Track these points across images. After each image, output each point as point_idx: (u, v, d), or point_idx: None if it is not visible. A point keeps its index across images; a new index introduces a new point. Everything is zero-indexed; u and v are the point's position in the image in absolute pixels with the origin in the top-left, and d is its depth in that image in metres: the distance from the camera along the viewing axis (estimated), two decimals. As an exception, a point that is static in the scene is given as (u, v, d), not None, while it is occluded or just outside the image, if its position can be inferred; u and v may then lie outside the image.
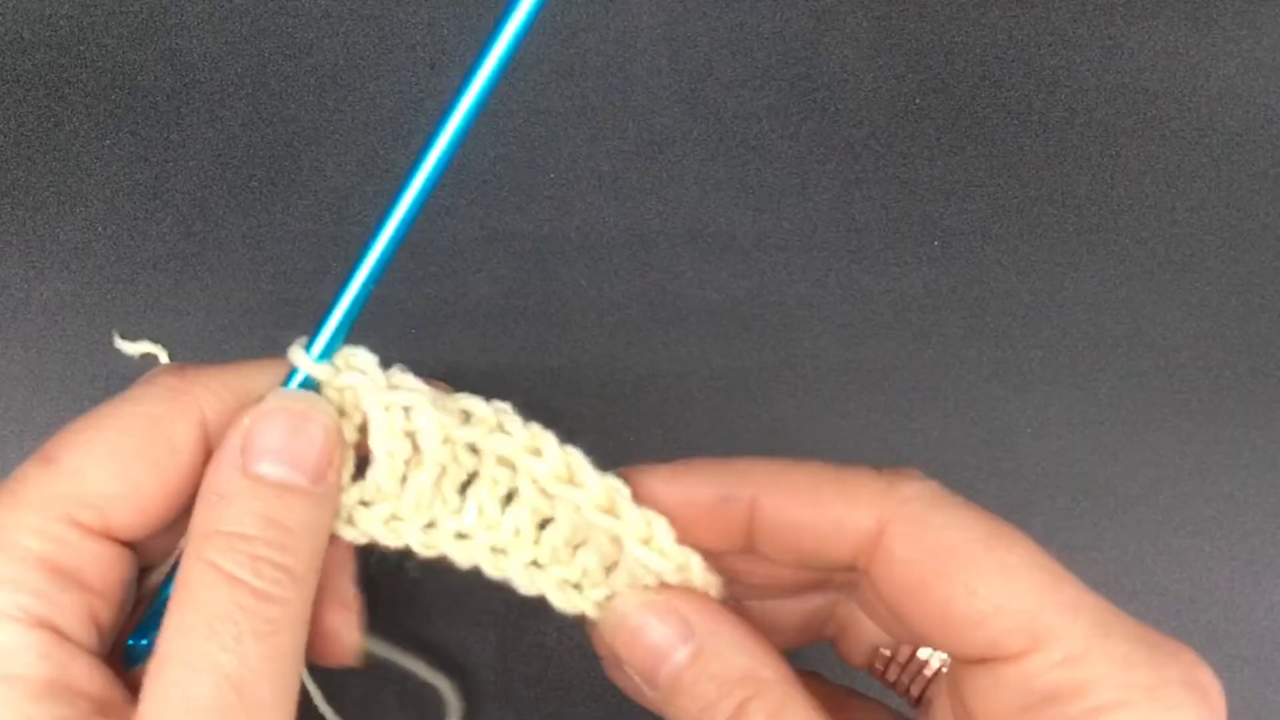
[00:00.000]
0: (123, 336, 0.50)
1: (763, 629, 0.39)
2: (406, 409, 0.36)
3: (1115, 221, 0.54)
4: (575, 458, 0.36)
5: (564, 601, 0.37)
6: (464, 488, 0.37)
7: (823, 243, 0.53)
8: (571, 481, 0.36)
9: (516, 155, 0.52)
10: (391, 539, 0.37)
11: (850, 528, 0.34)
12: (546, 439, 0.36)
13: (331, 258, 0.51)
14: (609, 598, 0.37)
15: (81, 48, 0.51)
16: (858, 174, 0.53)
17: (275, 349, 0.52)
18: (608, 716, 0.51)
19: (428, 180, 0.37)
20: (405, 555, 0.38)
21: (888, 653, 0.39)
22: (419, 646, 0.51)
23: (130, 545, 0.35)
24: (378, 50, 0.52)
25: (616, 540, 0.36)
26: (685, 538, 0.36)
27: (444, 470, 0.37)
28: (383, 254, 0.37)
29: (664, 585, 0.36)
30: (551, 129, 0.53)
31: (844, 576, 0.37)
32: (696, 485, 0.36)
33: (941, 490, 0.34)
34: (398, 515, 0.37)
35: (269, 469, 0.33)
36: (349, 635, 0.38)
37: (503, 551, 0.37)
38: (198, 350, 0.50)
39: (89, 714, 0.32)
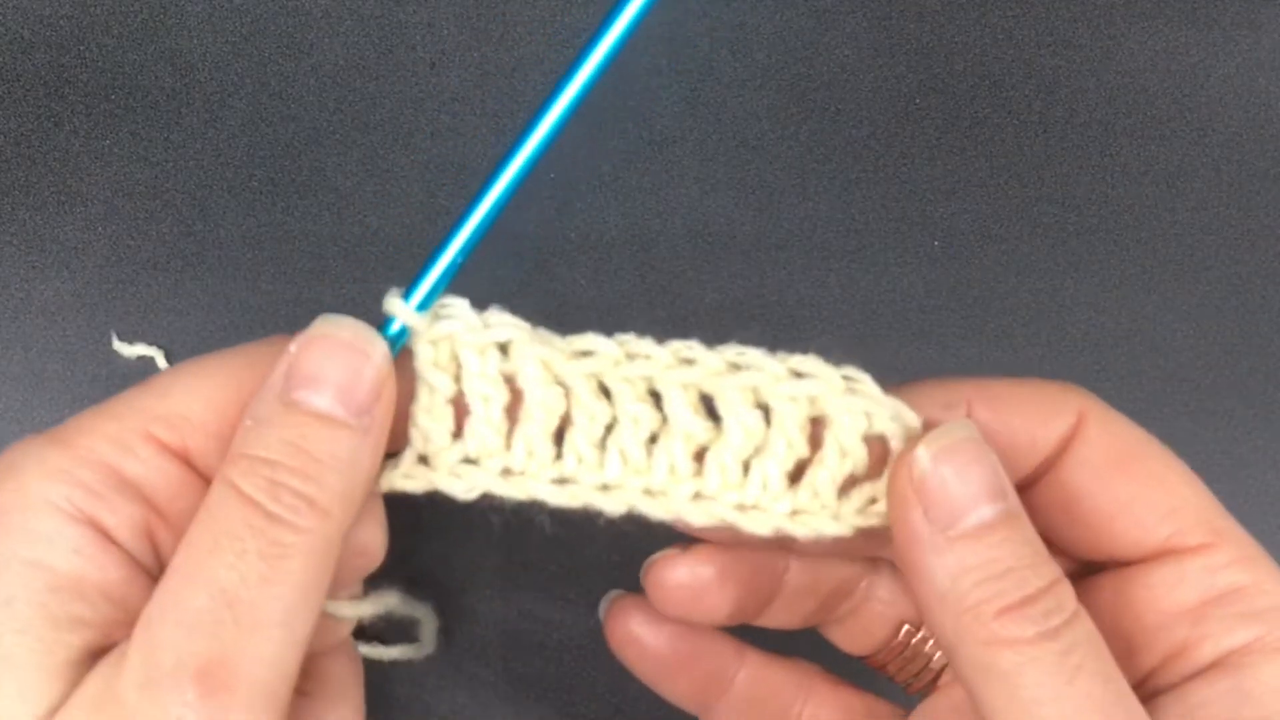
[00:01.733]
0: (121, 337, 0.50)
1: (797, 593, 0.39)
2: (503, 347, 0.34)
3: (1115, 222, 0.54)
4: (754, 352, 0.34)
5: (752, 524, 0.34)
6: (603, 441, 0.34)
7: (823, 243, 0.53)
8: (788, 376, 0.33)
9: (516, 155, 0.52)
10: (515, 492, 0.35)
11: (1055, 421, 0.35)
12: (694, 346, 0.34)
13: (331, 258, 0.51)
14: (812, 504, 0.34)
15: (81, 47, 0.51)
16: (858, 174, 0.53)
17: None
18: (609, 715, 0.51)
19: (557, 120, 0.36)
20: (538, 507, 0.35)
21: (909, 629, 0.40)
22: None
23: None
24: (378, 50, 0.52)
25: (808, 436, 0.33)
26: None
27: (569, 419, 0.34)
28: (498, 200, 0.35)
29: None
30: (551, 129, 0.53)
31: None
32: (915, 401, 0.35)
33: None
34: (513, 469, 0.35)
35: (305, 396, 0.32)
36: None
37: (661, 493, 0.34)
38: (197, 351, 0.49)
39: (114, 621, 0.32)
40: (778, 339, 0.52)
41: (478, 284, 0.52)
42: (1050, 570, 0.31)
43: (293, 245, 0.51)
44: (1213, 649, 0.33)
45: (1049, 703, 0.29)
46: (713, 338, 0.52)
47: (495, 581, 0.51)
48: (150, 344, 0.50)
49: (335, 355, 0.32)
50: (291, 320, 0.50)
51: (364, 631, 0.47)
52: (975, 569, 0.31)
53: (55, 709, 0.30)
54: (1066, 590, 0.31)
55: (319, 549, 0.31)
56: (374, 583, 0.43)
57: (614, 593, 0.41)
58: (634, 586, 0.41)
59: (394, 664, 0.49)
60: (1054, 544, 0.36)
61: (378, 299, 0.51)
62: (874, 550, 0.39)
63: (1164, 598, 0.34)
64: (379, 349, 0.33)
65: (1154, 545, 0.34)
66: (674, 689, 0.41)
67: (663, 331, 0.52)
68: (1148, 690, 0.34)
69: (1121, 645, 0.34)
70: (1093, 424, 0.35)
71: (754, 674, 0.40)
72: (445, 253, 0.35)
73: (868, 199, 0.53)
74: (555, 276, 0.51)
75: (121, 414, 0.33)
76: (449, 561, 0.51)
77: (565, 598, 0.51)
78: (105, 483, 0.32)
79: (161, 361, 0.49)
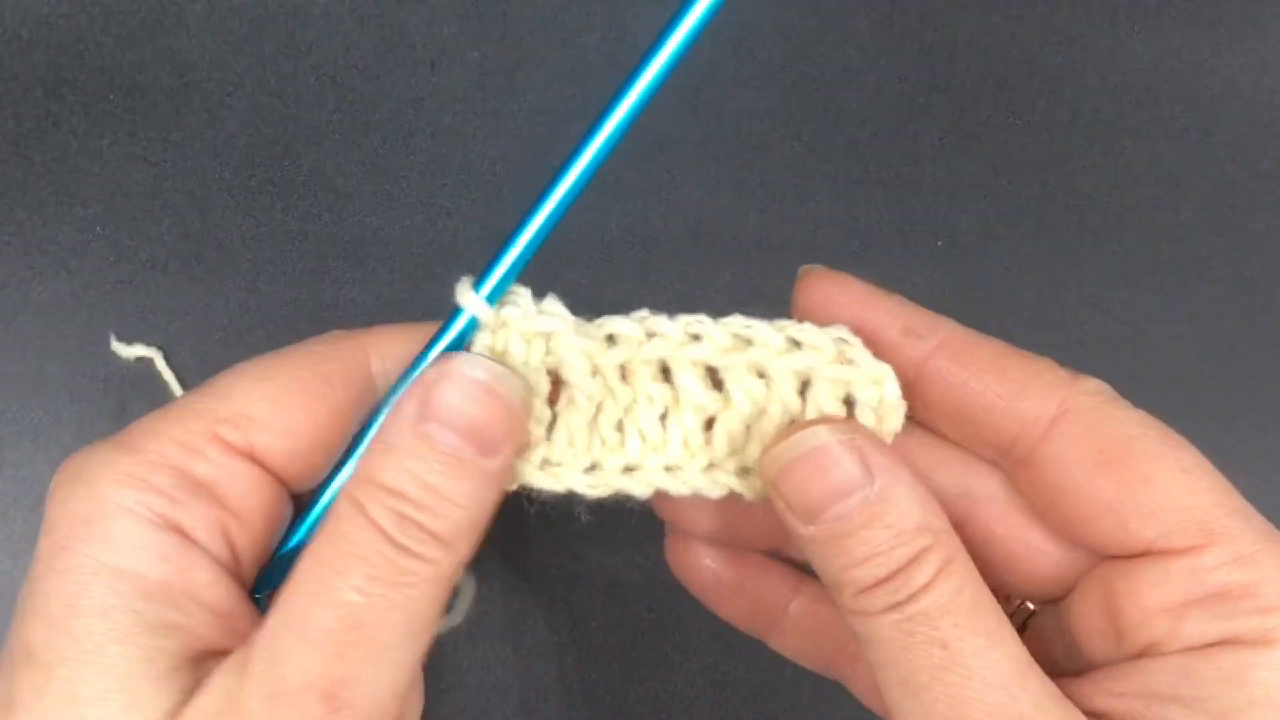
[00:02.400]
0: (120, 338, 0.50)
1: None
2: (547, 338, 0.35)
3: (1119, 222, 0.53)
4: (757, 325, 0.35)
5: (750, 489, 0.35)
6: (621, 423, 0.35)
7: (825, 243, 0.52)
8: (785, 346, 0.34)
9: (516, 155, 0.52)
10: (552, 484, 0.35)
11: (1030, 405, 0.35)
12: (703, 320, 0.35)
13: (331, 258, 0.51)
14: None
15: (80, 47, 0.51)
16: (860, 174, 0.53)
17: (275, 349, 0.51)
18: (609, 717, 0.51)
19: (625, 118, 0.36)
20: (573, 499, 0.36)
21: None
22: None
23: (280, 480, 0.34)
24: (378, 50, 0.52)
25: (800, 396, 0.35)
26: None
27: (600, 407, 0.35)
28: (566, 194, 0.35)
29: (846, 421, 0.34)
30: (552, 129, 0.52)
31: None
32: (884, 313, 0.35)
33: (1116, 393, 0.35)
34: (551, 460, 0.35)
35: (440, 434, 0.32)
36: None
37: (678, 467, 0.36)
38: (197, 351, 0.50)
39: (205, 623, 0.32)
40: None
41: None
42: (911, 548, 0.32)
43: (292, 245, 0.51)
44: (1186, 643, 0.33)
45: (889, 665, 0.32)
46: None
47: (497, 584, 0.51)
48: (149, 344, 0.49)
49: (473, 395, 0.33)
50: (291, 320, 0.50)
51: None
52: (835, 558, 0.33)
53: (168, 716, 0.30)
54: (925, 563, 0.32)
55: (440, 579, 0.32)
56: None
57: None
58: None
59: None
60: (1053, 533, 0.37)
61: (378, 299, 0.51)
62: None
63: (1147, 594, 0.33)
64: (516, 394, 0.34)
65: (1139, 546, 0.34)
66: (726, 611, 0.42)
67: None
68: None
69: (1111, 632, 0.34)
70: (1077, 419, 0.35)
71: (808, 606, 0.41)
72: (516, 243, 0.35)
73: (870, 199, 0.53)
74: (556, 276, 0.51)
75: (186, 417, 0.33)
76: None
77: (566, 599, 0.51)
78: (179, 486, 0.32)
79: (160, 362, 0.49)
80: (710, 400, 0.35)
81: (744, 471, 0.36)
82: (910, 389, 0.36)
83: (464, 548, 0.33)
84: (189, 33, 0.52)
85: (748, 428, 0.36)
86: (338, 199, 0.51)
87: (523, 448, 0.35)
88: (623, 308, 0.51)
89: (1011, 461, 0.36)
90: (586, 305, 0.51)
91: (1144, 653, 0.34)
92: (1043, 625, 0.40)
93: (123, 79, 0.51)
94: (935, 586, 0.32)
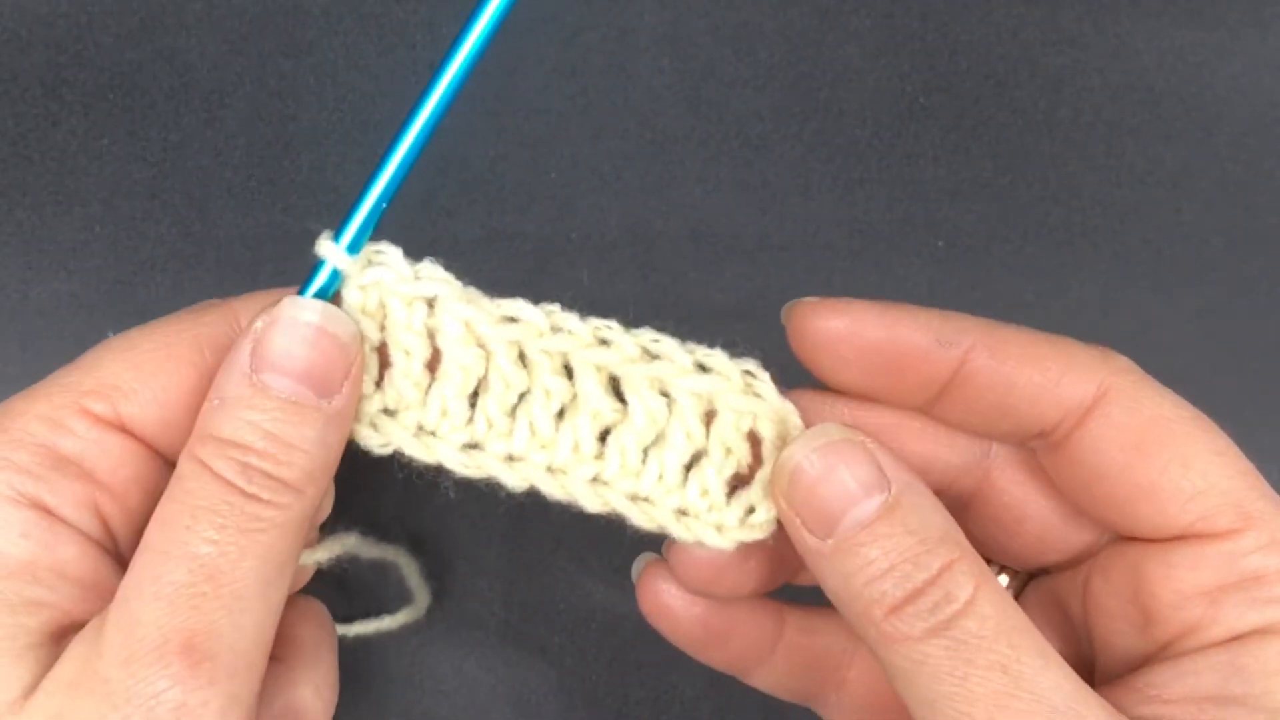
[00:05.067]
0: (119, 337, 0.49)
1: None
2: (430, 303, 0.34)
3: (1121, 222, 0.53)
4: (666, 341, 0.34)
5: (640, 518, 0.35)
6: (514, 410, 0.35)
7: (826, 243, 0.52)
8: (693, 369, 0.34)
9: (517, 155, 0.52)
10: (424, 454, 0.35)
11: (1070, 390, 0.34)
12: (613, 327, 0.34)
13: (331, 258, 0.51)
14: (704, 507, 0.34)
15: (79, 47, 0.51)
16: (861, 174, 0.53)
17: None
18: (609, 718, 0.50)
19: (462, 67, 0.36)
20: (441, 473, 0.35)
21: None
22: (418, 648, 0.50)
23: (154, 449, 0.34)
24: (378, 50, 0.52)
25: (706, 429, 0.34)
26: (877, 380, 0.35)
27: (486, 385, 0.34)
28: (416, 140, 0.35)
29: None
30: (552, 129, 0.52)
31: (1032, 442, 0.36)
32: (911, 327, 0.35)
33: (1144, 372, 0.35)
34: (426, 427, 0.35)
35: (275, 381, 0.32)
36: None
37: (562, 471, 0.35)
38: (196, 351, 0.50)
39: (72, 598, 0.32)
40: (780, 340, 0.52)
41: (477, 284, 0.51)
42: (939, 556, 0.31)
43: (292, 245, 0.51)
44: (1224, 630, 0.32)
45: (943, 700, 0.30)
46: (714, 339, 0.52)
47: (496, 584, 0.51)
48: (148, 345, 0.49)
49: (304, 337, 0.32)
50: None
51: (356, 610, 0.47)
52: (857, 572, 0.31)
53: (27, 692, 0.30)
54: (959, 575, 0.31)
55: (293, 523, 0.32)
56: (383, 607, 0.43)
57: (646, 556, 0.40)
58: (635, 591, 0.40)
59: (394, 674, 0.49)
60: (1081, 513, 0.36)
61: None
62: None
63: (1182, 578, 0.33)
64: (348, 330, 0.33)
65: (1177, 529, 0.33)
66: (709, 659, 0.40)
67: (666, 332, 0.51)
68: (1156, 659, 0.34)
69: (1138, 616, 0.34)
70: (1116, 401, 0.34)
71: (795, 640, 0.40)
72: (371, 192, 0.35)
73: (871, 199, 0.53)
74: (555, 276, 0.51)
75: (51, 393, 0.33)
76: (452, 564, 0.51)
77: (566, 600, 0.51)
78: (43, 463, 0.32)
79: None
80: (609, 409, 0.34)
81: (635, 498, 0.35)
82: (946, 391, 0.35)
83: (314, 491, 0.32)
84: (188, 32, 0.52)
85: (645, 452, 0.35)
86: (338, 199, 0.51)
87: (361, 387, 0.34)
88: (622, 307, 0.51)
89: (1046, 444, 0.35)
90: (586, 305, 0.51)
91: (1175, 640, 0.33)
92: (1029, 598, 0.39)
93: (122, 78, 0.51)
94: (978, 605, 0.30)
